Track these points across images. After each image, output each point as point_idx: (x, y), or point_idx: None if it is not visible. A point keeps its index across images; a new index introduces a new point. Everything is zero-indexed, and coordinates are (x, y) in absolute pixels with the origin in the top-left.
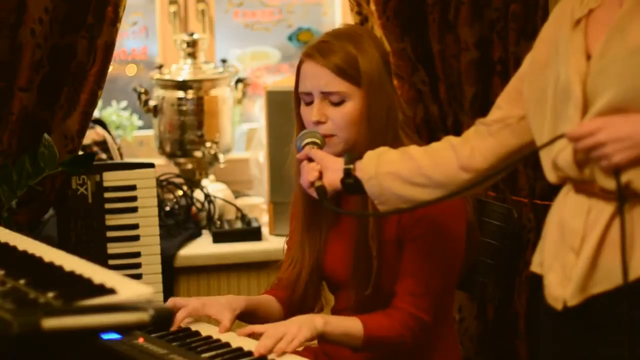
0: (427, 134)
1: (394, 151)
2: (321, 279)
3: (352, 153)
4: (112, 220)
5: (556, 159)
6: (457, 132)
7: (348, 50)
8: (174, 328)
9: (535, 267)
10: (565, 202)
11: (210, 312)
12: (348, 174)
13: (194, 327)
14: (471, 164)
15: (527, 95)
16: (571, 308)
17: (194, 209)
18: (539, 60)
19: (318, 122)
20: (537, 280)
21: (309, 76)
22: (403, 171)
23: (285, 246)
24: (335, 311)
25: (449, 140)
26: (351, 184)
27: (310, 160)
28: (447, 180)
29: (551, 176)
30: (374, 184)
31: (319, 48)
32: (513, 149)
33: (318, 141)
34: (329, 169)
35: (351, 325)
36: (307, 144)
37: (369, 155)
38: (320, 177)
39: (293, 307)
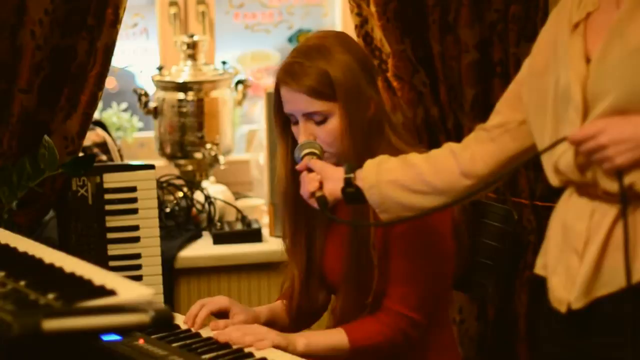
0: (428, 136)
1: (394, 159)
2: (321, 283)
3: (352, 163)
4: (112, 221)
5: (558, 163)
6: (458, 134)
7: (319, 67)
8: (196, 328)
9: (538, 270)
10: (568, 204)
11: (235, 309)
12: (349, 183)
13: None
14: (472, 169)
15: (527, 100)
16: (575, 311)
17: (194, 210)
18: (538, 64)
19: None
20: (539, 282)
21: (288, 101)
22: (404, 179)
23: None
24: (334, 310)
25: (449, 146)
26: (352, 193)
27: (309, 170)
28: (448, 187)
29: (553, 180)
30: (374, 192)
31: (290, 72)
32: (514, 154)
33: (317, 151)
34: (330, 179)
35: (336, 339)
36: (306, 154)
37: (369, 163)
38: (321, 187)
39: (293, 318)
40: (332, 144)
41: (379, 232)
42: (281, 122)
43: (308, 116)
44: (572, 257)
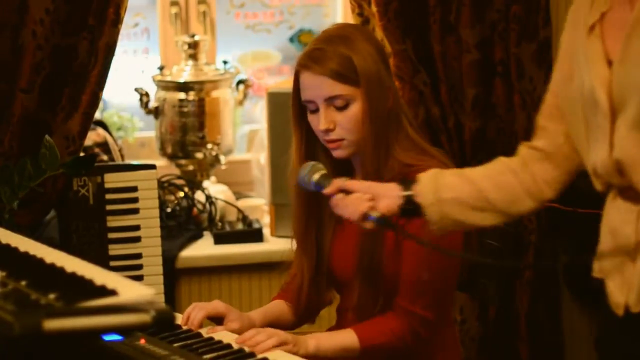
0: (429, 136)
1: (449, 173)
2: (328, 280)
3: (407, 179)
4: (113, 221)
5: (596, 167)
6: (459, 134)
7: (342, 52)
8: (194, 329)
9: (596, 273)
10: (614, 209)
11: (230, 316)
12: (409, 201)
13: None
14: (538, 192)
15: (562, 109)
16: (634, 313)
17: (195, 210)
18: (564, 72)
19: (327, 130)
20: (598, 285)
21: (309, 87)
22: (464, 196)
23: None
24: (341, 309)
25: (506, 163)
26: (411, 210)
27: (345, 192)
28: (508, 205)
29: (596, 183)
30: (435, 210)
31: (313, 56)
32: (573, 168)
33: (326, 172)
34: (384, 197)
35: (346, 339)
36: (321, 177)
37: (425, 179)
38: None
39: (300, 314)
40: (352, 131)
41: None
42: (298, 112)
43: (329, 101)
44: (625, 260)
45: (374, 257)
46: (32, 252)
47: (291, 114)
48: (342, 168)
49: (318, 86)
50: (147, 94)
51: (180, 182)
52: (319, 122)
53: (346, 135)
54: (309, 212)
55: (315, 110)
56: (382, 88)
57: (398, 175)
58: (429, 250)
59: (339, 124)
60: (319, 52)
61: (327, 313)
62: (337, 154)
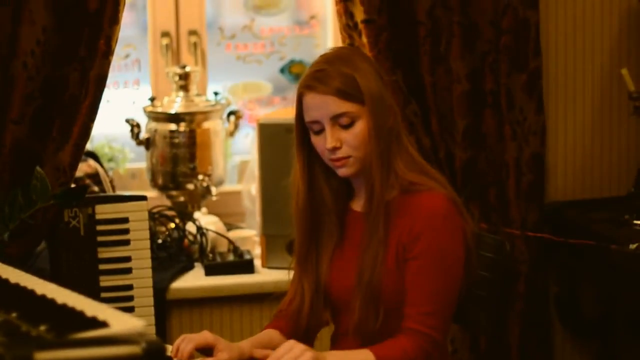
0: None
1: None
2: (325, 304)
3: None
4: (104, 253)
5: None
6: (449, 164)
7: (344, 71)
8: None
9: None
10: None
11: (219, 346)
12: None
13: None
14: None
15: None
16: None
17: (186, 241)
18: None
19: (334, 148)
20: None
21: (315, 107)
22: None
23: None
24: (336, 335)
25: None
26: None
27: None
28: None
29: None
30: None
31: (316, 77)
32: None
33: None
34: None
35: (362, 358)
36: None
37: None
38: None
39: (298, 337)
40: (359, 148)
41: (392, 246)
42: (301, 135)
43: (335, 120)
44: None
45: (374, 274)
46: (22, 284)
47: (294, 138)
48: (341, 189)
49: (324, 105)
50: (138, 125)
51: (171, 213)
52: (326, 141)
53: (352, 153)
54: (311, 235)
55: (320, 131)
56: (385, 105)
57: (400, 193)
58: (436, 273)
59: (345, 142)
60: (322, 72)
61: (320, 341)
62: (343, 172)
